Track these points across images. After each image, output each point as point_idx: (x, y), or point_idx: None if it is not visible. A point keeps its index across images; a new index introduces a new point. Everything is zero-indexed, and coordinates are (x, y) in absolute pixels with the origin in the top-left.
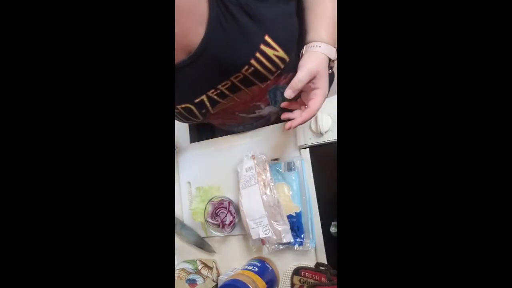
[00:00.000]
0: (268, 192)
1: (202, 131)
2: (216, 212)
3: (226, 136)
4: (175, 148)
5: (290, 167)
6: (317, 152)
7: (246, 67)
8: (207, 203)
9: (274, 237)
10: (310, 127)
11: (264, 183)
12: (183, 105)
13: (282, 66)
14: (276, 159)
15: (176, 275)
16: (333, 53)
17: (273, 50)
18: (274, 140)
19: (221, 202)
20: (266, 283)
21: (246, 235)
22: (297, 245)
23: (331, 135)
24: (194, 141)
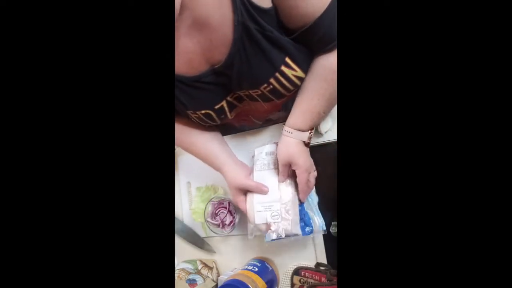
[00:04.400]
0: (288, 180)
1: None
2: (216, 212)
3: (226, 136)
4: (175, 148)
5: None
6: (317, 152)
7: (265, 85)
8: (207, 203)
9: (282, 225)
10: None
11: None
12: (203, 111)
13: (299, 83)
14: None
15: (176, 275)
16: (305, 137)
17: (292, 71)
18: (275, 139)
19: (221, 202)
20: (266, 283)
21: (246, 235)
22: (307, 234)
23: (331, 135)
24: None
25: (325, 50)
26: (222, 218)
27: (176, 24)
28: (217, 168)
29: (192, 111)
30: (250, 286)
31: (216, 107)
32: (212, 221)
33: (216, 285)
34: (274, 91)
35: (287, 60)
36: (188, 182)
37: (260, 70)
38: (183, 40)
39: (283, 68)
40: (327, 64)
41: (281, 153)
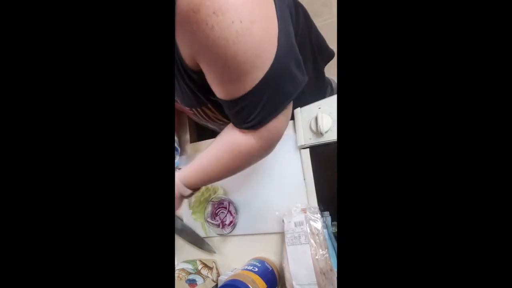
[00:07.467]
0: (320, 254)
1: (202, 131)
2: (216, 212)
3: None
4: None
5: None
6: (317, 152)
7: (188, 109)
8: (207, 203)
9: None
10: (310, 127)
11: (315, 243)
12: None
13: (218, 122)
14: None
15: (176, 275)
16: (186, 193)
17: (212, 113)
18: None
19: (221, 202)
20: (266, 283)
21: (246, 235)
22: None
23: (331, 135)
24: (194, 141)
25: (239, 126)
26: (222, 218)
27: None
28: None
29: None
30: (250, 286)
31: None
32: (212, 221)
33: (216, 285)
34: (196, 116)
35: (210, 106)
36: None
37: (186, 99)
38: None
39: (203, 108)
40: (237, 140)
41: None
